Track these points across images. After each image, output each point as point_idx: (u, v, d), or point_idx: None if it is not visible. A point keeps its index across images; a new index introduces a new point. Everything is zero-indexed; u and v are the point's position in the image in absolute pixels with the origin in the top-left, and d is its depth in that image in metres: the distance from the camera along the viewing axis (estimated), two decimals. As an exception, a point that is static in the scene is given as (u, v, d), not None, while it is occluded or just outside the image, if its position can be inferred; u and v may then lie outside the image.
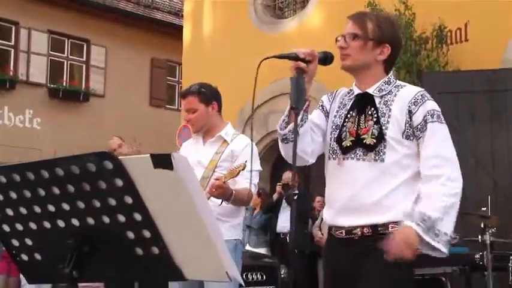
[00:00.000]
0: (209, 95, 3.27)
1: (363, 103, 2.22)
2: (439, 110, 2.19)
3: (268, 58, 2.07)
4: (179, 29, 12.21)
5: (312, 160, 2.29)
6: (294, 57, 2.11)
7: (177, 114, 12.45)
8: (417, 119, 2.14)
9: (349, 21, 2.24)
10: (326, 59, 2.16)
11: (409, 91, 2.21)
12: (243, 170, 2.96)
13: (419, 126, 2.14)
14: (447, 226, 2.08)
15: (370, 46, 2.18)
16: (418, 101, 2.16)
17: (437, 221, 2.06)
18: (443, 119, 2.18)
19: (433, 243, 2.06)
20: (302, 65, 2.11)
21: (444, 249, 2.09)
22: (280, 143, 2.25)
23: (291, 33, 9.18)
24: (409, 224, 2.08)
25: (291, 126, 2.13)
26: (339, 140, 2.23)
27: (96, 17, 13.74)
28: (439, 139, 2.14)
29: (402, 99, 2.18)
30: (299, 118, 2.11)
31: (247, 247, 6.96)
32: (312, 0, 9.09)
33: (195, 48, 10.74)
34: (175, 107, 14.66)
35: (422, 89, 2.25)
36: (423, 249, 2.11)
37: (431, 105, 2.17)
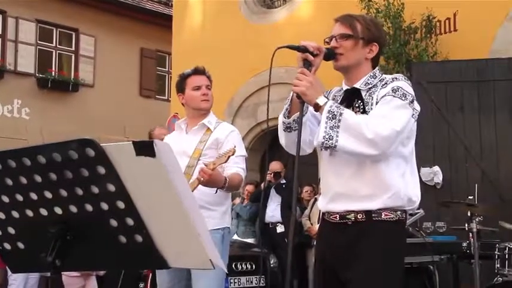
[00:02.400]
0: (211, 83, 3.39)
1: (351, 97, 2.30)
2: (408, 90, 2.18)
3: (280, 48, 2.15)
4: (169, 18, 12.13)
5: (309, 150, 2.36)
6: (303, 50, 2.20)
7: (167, 104, 12.39)
8: (381, 96, 2.18)
9: (336, 22, 2.33)
10: (330, 55, 2.26)
11: (388, 79, 2.26)
12: (232, 155, 2.96)
13: (378, 100, 2.18)
14: (343, 138, 2.08)
15: (361, 45, 2.28)
16: (388, 82, 2.22)
17: (342, 123, 2.08)
18: (409, 98, 2.16)
19: (324, 124, 2.09)
20: (310, 57, 2.20)
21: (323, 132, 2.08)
22: (283, 132, 2.31)
23: (280, 23, 9.15)
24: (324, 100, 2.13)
25: (295, 115, 2.21)
26: None
27: (85, 6, 13.61)
28: (389, 106, 2.13)
29: (383, 88, 2.23)
30: (304, 109, 2.20)
31: (235, 237, 6.97)
32: (302, -11, 9.06)
33: (184, 38, 10.68)
34: (165, 97, 14.60)
35: (400, 74, 2.33)
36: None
37: (399, 83, 2.19)
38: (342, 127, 2.08)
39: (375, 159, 2.16)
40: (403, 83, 2.19)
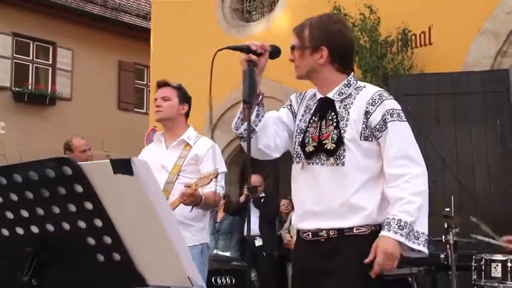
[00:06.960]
0: (185, 95, 3.37)
1: (324, 108, 2.24)
2: (399, 108, 2.18)
3: (221, 50, 2.08)
4: (147, 31, 12.11)
5: (276, 155, 2.31)
6: (246, 50, 2.14)
7: (145, 117, 12.34)
8: (375, 119, 2.14)
9: (292, 33, 2.29)
10: (275, 52, 2.20)
11: (367, 92, 2.21)
12: (215, 178, 2.97)
13: (377, 127, 2.13)
14: (422, 225, 2.10)
15: (308, 53, 2.22)
16: (376, 101, 2.16)
17: (413, 224, 2.07)
18: (403, 117, 2.17)
19: (415, 246, 2.08)
20: (253, 57, 2.14)
21: (425, 250, 2.10)
22: (241, 142, 2.25)
23: (259, 36, 9.20)
24: (387, 234, 2.06)
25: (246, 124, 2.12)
26: (303, 144, 2.25)
27: (63, 20, 13.52)
28: (401, 138, 2.13)
29: (360, 100, 2.18)
30: (254, 114, 2.13)
31: (216, 251, 6.92)
32: (280, 3, 9.14)
33: (163, 51, 10.67)
34: (144, 111, 14.53)
35: (382, 89, 2.25)
36: (405, 253, 2.12)
37: (390, 104, 2.16)
38: (416, 229, 2.07)
39: (345, 178, 2.13)
40: (392, 102, 2.17)
